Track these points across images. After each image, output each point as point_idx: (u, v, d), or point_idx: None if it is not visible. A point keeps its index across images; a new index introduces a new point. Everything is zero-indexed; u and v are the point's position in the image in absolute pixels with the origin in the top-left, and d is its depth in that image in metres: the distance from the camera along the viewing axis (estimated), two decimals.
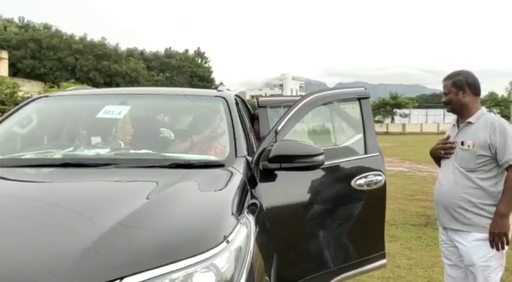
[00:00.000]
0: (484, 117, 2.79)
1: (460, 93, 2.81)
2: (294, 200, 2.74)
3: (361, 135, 3.28)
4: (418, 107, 76.17)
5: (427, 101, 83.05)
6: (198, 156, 2.58)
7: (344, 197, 2.99)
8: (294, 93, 79.18)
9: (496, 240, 2.64)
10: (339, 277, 2.96)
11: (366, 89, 3.33)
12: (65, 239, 1.50)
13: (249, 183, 2.27)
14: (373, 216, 3.12)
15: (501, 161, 2.64)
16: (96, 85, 43.61)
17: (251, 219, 1.92)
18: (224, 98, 3.04)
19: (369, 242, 3.16)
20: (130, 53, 59.03)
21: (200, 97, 3.33)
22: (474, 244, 2.72)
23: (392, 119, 69.75)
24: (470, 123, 2.80)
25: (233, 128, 2.70)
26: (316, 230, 2.87)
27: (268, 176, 2.55)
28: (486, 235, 2.67)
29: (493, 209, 2.67)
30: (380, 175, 3.02)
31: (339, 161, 3.02)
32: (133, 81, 51.01)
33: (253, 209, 2.08)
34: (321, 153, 2.44)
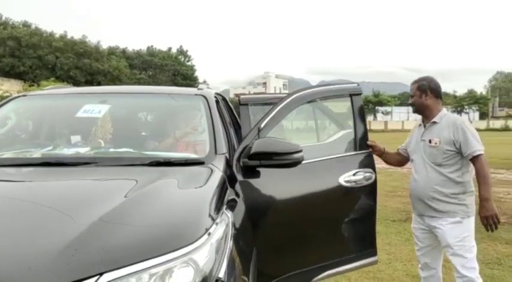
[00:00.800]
0: (446, 117, 3.14)
1: (423, 96, 3.17)
2: (277, 197, 2.73)
3: (344, 132, 3.31)
4: (400, 104, 77.09)
5: (408, 99, 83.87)
6: (178, 154, 2.61)
7: (330, 193, 2.93)
8: (278, 91, 79.32)
9: (489, 222, 2.93)
10: (326, 273, 2.95)
11: (358, 85, 3.26)
12: (45, 237, 1.51)
13: (229, 180, 2.30)
14: (363, 213, 3.08)
15: (465, 154, 2.99)
16: (77, 83, 43.04)
17: (230, 215, 1.96)
18: (204, 96, 3.06)
19: (358, 239, 3.12)
20: (112, 51, 58.35)
21: (180, 95, 3.34)
22: (448, 227, 3.05)
23: (375, 117, 70.56)
24: (435, 122, 3.14)
25: (213, 126, 2.73)
26: (300, 227, 2.86)
27: (251, 172, 2.57)
28: (458, 219, 3.03)
29: (462, 196, 3.04)
30: (370, 172, 3.01)
31: (326, 158, 3.00)
32: (115, 80, 50.46)
33: (233, 205, 2.12)
34: (299, 151, 2.46)
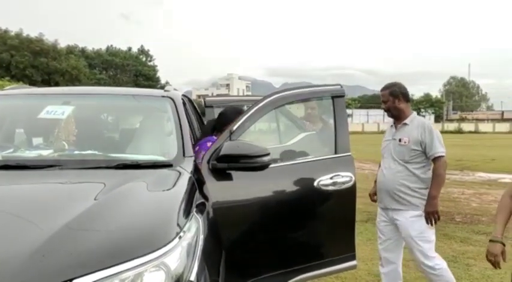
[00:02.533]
0: (416, 119, 3.43)
1: (396, 101, 3.41)
2: (247, 199, 2.70)
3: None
4: (360, 107, 78.96)
5: (368, 102, 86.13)
6: (145, 157, 2.57)
7: (305, 197, 2.87)
8: (241, 93, 79.40)
9: (430, 217, 3.26)
10: (301, 276, 2.90)
11: (341, 86, 3.16)
12: (11, 243, 1.47)
13: (197, 182, 2.30)
14: (341, 217, 3.02)
15: (429, 154, 3.29)
16: (33, 83, 41.41)
17: (200, 218, 1.96)
18: (171, 98, 3.03)
19: (337, 243, 3.06)
20: (71, 50, 56.55)
21: (147, 97, 3.29)
22: (410, 220, 3.33)
23: None
24: (406, 124, 3.42)
25: (181, 128, 2.71)
26: (271, 230, 2.81)
27: (222, 175, 2.56)
28: (420, 212, 3.30)
29: (424, 191, 3.31)
30: (349, 175, 2.93)
31: (303, 160, 3.00)
32: (73, 80, 48.92)
33: (202, 208, 2.12)
34: (267, 154, 2.46)
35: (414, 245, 3.32)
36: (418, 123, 3.36)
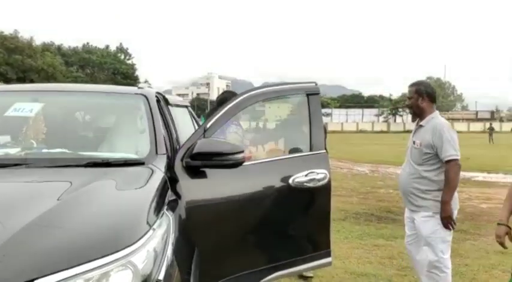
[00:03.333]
0: (432, 121, 3.38)
1: (420, 99, 3.40)
2: (221, 197, 2.65)
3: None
4: (339, 106, 79.71)
5: (347, 101, 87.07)
6: (116, 155, 2.52)
7: (280, 195, 2.85)
8: (221, 92, 79.07)
9: (445, 223, 3.27)
10: (277, 273, 2.88)
11: (316, 84, 3.14)
12: None
13: (170, 180, 2.26)
14: (316, 213, 3.02)
15: (440, 157, 3.27)
16: (7, 81, 40.48)
17: (171, 216, 1.93)
18: (145, 95, 2.97)
19: (312, 240, 3.06)
20: (47, 48, 55.42)
21: (120, 94, 3.22)
22: (422, 220, 3.36)
23: None
24: (421, 126, 3.42)
25: (153, 126, 2.66)
26: (245, 228, 2.79)
27: (195, 173, 2.52)
28: (430, 213, 3.32)
29: (437, 193, 3.29)
30: (324, 172, 2.92)
31: (278, 158, 2.99)
32: (49, 77, 47.97)
33: (174, 206, 2.08)
34: (240, 152, 2.44)
35: (427, 244, 3.35)
36: (432, 125, 3.33)
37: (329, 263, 3.13)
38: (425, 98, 3.39)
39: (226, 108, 2.76)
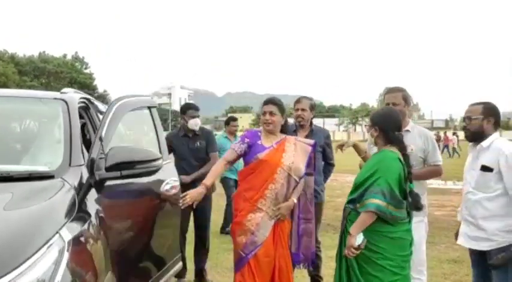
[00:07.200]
0: (417, 127, 3.49)
1: (406, 106, 3.40)
2: (118, 212, 2.47)
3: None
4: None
5: (319, 112, 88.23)
6: (21, 167, 2.21)
7: (146, 208, 2.88)
8: (183, 102, 78.53)
9: None
10: None
11: (152, 98, 3.41)
12: None
13: (80, 195, 1.99)
14: (171, 221, 3.19)
15: (428, 162, 3.38)
16: None
17: (68, 237, 1.63)
18: (65, 100, 2.66)
19: (168, 249, 3.15)
20: None
21: (36, 99, 2.88)
22: (414, 225, 3.26)
23: None
24: (408, 131, 3.39)
25: (70, 135, 2.37)
26: (128, 245, 2.52)
27: (104, 186, 2.26)
28: (420, 218, 3.38)
29: (422, 196, 3.29)
30: (175, 179, 3.12)
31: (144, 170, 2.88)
32: (1, 86, 46.04)
33: (77, 225, 1.79)
34: (160, 158, 2.37)
35: (417, 248, 3.30)
36: (420, 131, 3.44)
37: (181, 267, 3.38)
38: (409, 104, 3.44)
39: (109, 118, 2.44)
